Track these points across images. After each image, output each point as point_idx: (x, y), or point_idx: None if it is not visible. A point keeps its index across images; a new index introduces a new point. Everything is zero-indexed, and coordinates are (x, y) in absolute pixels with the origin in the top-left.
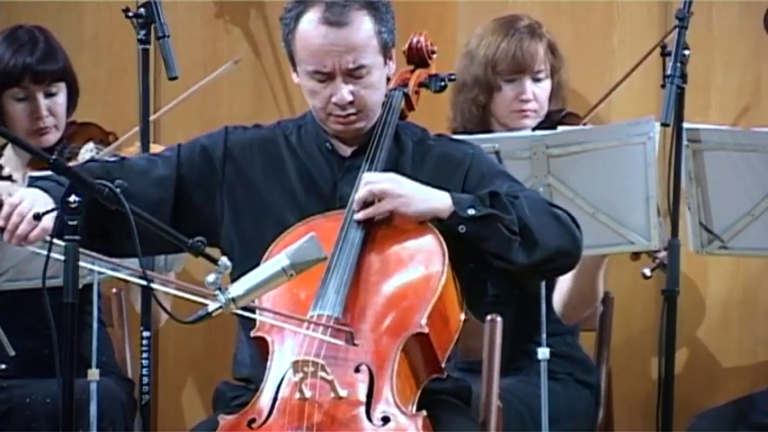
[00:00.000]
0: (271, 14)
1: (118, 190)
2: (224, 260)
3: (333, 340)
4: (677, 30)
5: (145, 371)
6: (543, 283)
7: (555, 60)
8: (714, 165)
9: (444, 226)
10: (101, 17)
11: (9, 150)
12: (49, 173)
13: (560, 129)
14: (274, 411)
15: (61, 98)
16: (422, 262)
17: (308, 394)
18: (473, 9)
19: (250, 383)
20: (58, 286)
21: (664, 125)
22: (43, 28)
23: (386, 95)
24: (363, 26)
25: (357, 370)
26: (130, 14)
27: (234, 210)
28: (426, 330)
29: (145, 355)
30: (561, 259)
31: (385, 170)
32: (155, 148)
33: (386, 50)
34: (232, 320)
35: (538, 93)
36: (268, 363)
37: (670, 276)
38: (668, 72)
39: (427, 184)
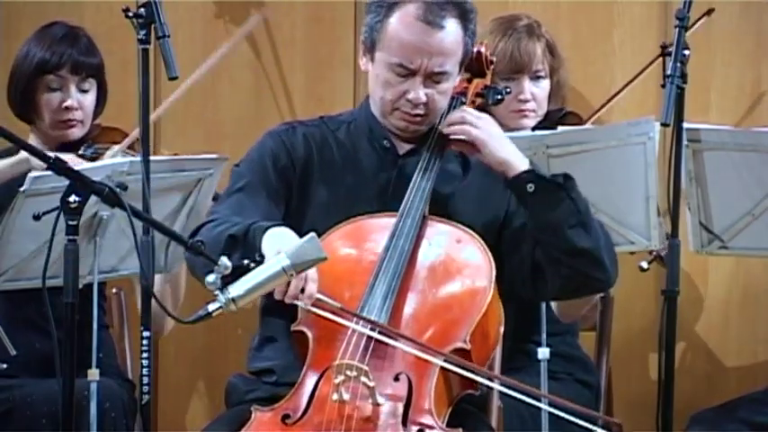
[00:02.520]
0: (271, 14)
1: (118, 190)
2: (224, 260)
3: (382, 338)
4: (677, 30)
5: (145, 371)
6: None
7: (553, 60)
8: (714, 165)
9: (514, 184)
10: (101, 17)
11: (33, 138)
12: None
13: (560, 129)
14: (310, 410)
15: (91, 96)
16: (469, 276)
17: (345, 397)
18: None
19: (270, 374)
20: (60, 286)
21: (664, 125)
22: (80, 26)
23: None
24: (455, 33)
25: (397, 378)
26: (130, 14)
27: (297, 207)
28: (468, 347)
29: (145, 355)
30: (596, 267)
31: (437, 176)
32: None
33: (464, 61)
34: (232, 320)
35: (536, 92)
36: (307, 359)
37: (670, 276)
38: (668, 72)
39: (476, 195)
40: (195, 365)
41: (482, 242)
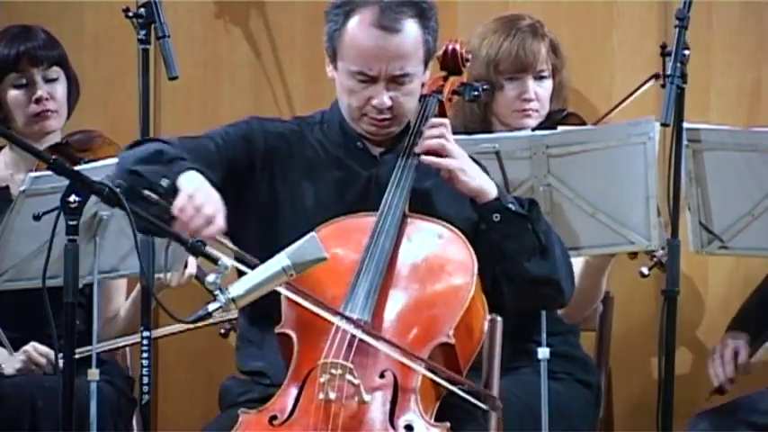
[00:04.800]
0: (271, 14)
1: (118, 190)
2: (224, 260)
3: (366, 338)
4: (677, 30)
5: (145, 371)
6: None
7: (557, 60)
8: (714, 165)
9: (481, 210)
10: (101, 17)
11: (8, 152)
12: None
13: (560, 129)
14: (297, 410)
15: (61, 85)
16: (451, 272)
17: (332, 396)
18: (473, 9)
19: (262, 377)
20: (58, 286)
21: (664, 125)
22: (40, 25)
23: (420, 100)
24: (413, 34)
25: (382, 375)
26: (130, 14)
27: (269, 202)
28: (453, 341)
29: (145, 355)
30: (553, 291)
31: (417, 174)
32: None
33: (428, 59)
34: None
35: (540, 92)
36: (292, 360)
37: (670, 276)
38: (668, 72)
39: (453, 190)
40: (195, 366)
41: (463, 237)
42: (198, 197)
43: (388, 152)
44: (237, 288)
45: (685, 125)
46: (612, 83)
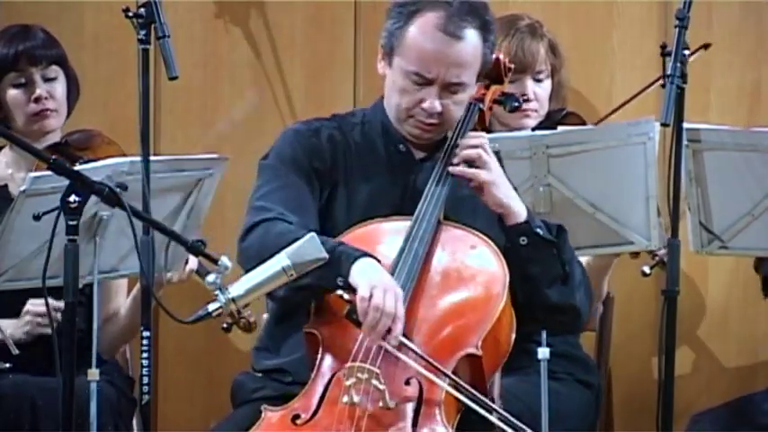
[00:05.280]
0: (271, 14)
1: (118, 190)
2: (224, 260)
3: (394, 351)
4: (677, 30)
5: (145, 371)
6: None
7: (555, 60)
8: (714, 165)
9: (508, 231)
10: (101, 17)
11: (8, 151)
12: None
13: (560, 129)
14: (320, 410)
15: (60, 85)
16: (483, 283)
17: (356, 399)
18: None
19: (283, 374)
20: (58, 286)
21: (664, 125)
22: (39, 25)
23: None
24: (474, 44)
25: (408, 383)
26: (130, 14)
27: (323, 207)
28: (480, 353)
29: (145, 354)
30: (570, 318)
31: (454, 182)
32: None
33: (481, 72)
34: None
35: (539, 92)
36: (319, 360)
37: (670, 276)
38: (668, 72)
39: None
40: (195, 365)
41: (496, 248)
42: (375, 295)
43: (428, 159)
44: (237, 288)
45: (685, 125)
46: (612, 83)
